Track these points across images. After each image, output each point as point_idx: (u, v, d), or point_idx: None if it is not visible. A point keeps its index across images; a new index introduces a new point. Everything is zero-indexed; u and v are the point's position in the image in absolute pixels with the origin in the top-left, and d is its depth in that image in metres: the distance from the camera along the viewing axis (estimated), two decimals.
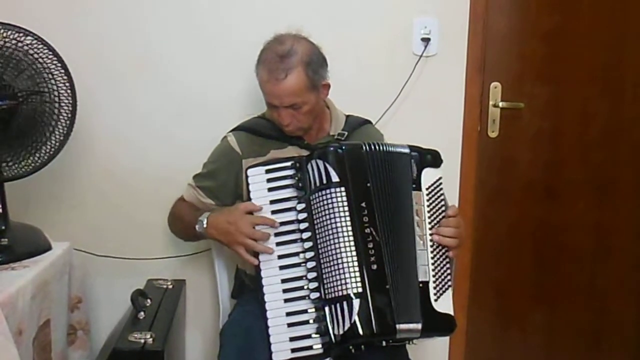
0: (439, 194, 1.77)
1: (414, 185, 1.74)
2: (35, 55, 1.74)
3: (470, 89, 2.38)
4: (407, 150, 1.76)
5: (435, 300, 1.69)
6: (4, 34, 1.68)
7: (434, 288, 1.70)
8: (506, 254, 2.59)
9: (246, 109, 2.16)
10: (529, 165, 2.54)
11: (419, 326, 1.65)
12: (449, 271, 1.74)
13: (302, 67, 1.78)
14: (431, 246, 1.72)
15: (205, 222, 1.78)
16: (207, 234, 1.78)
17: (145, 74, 2.25)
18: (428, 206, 1.74)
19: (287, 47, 1.79)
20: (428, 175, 1.76)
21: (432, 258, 1.72)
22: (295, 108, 1.82)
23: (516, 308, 2.62)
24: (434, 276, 1.70)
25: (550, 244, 2.59)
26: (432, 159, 1.79)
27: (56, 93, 1.77)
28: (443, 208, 1.77)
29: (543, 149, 2.53)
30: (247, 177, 1.73)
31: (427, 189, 1.75)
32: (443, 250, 1.74)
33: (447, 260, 1.74)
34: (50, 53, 1.76)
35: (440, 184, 1.78)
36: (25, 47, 1.72)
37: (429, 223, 1.73)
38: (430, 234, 1.72)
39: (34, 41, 1.74)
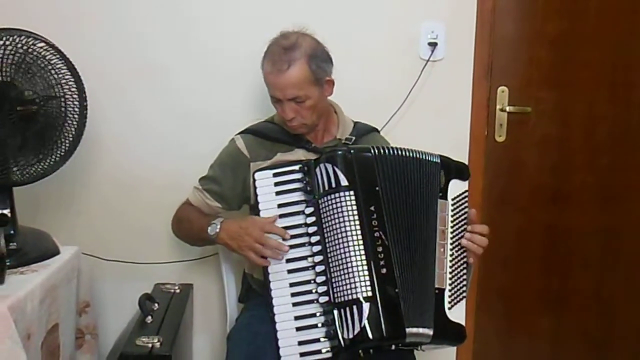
0: (463, 206, 1.78)
1: (440, 194, 1.74)
2: (46, 61, 1.74)
3: (477, 93, 2.38)
4: (437, 160, 1.76)
5: (449, 308, 1.69)
6: (16, 40, 1.68)
7: (450, 296, 1.70)
8: (513, 259, 2.58)
9: (250, 115, 2.16)
10: (536, 169, 2.53)
11: (430, 332, 1.65)
12: (465, 282, 1.75)
13: (306, 60, 1.80)
14: (451, 255, 1.73)
15: (218, 225, 1.77)
16: (218, 238, 1.78)
17: (150, 81, 2.26)
18: (452, 216, 1.74)
19: (291, 40, 1.82)
20: (455, 187, 1.77)
21: (451, 267, 1.72)
22: (298, 102, 1.82)
23: (523, 313, 2.61)
24: (450, 285, 1.71)
25: (558, 248, 2.58)
26: (460, 171, 1.80)
27: (67, 99, 1.78)
28: (466, 220, 1.78)
29: (550, 153, 2.52)
30: (254, 180, 1.73)
31: (452, 199, 1.76)
32: (462, 260, 1.75)
33: (465, 270, 1.75)
34: (61, 59, 1.77)
35: (466, 197, 1.79)
36: (36, 53, 1.72)
37: (451, 233, 1.74)
38: (457, 239, 1.73)
39: (46, 47, 1.74)
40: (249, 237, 1.69)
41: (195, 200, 1.97)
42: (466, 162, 2.37)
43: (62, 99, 1.77)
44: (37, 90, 1.71)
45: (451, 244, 1.73)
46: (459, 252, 1.75)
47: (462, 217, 1.77)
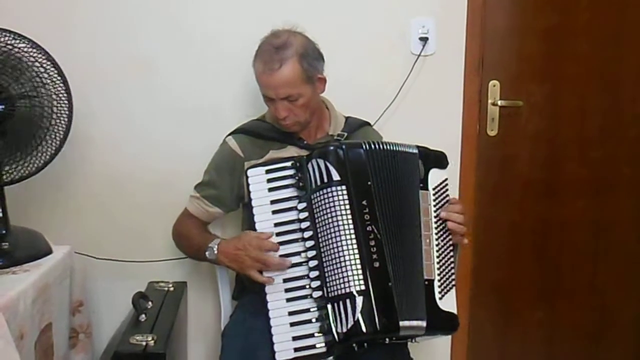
0: (444, 195, 1.79)
1: (421, 185, 1.75)
2: (31, 61, 1.73)
3: (468, 87, 2.38)
4: (415, 151, 1.77)
5: (440, 298, 1.70)
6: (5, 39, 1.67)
7: (439, 286, 1.71)
8: (507, 252, 2.59)
9: (242, 112, 2.17)
10: (528, 163, 2.54)
11: (423, 324, 1.66)
12: (453, 271, 1.75)
13: (297, 58, 1.80)
14: (437, 245, 1.73)
15: (215, 249, 1.79)
16: (218, 260, 1.80)
17: (140, 78, 2.25)
18: (434, 206, 1.75)
19: (282, 39, 1.82)
20: (435, 176, 1.78)
21: (438, 257, 1.72)
22: (291, 100, 1.82)
23: (517, 306, 2.62)
24: (439, 274, 1.71)
25: (551, 241, 2.59)
26: (439, 159, 1.80)
27: (52, 97, 1.77)
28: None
29: (542, 146, 2.53)
30: (247, 177, 1.73)
31: (433, 189, 1.76)
32: (449, 250, 1.76)
33: (453, 260, 1.76)
34: (46, 58, 1.76)
35: (447, 185, 1.80)
36: (20, 52, 1.71)
37: (435, 222, 1.74)
38: (441, 228, 1.74)
39: (29, 46, 1.73)
40: (249, 259, 1.70)
41: (194, 209, 1.97)
42: (459, 157, 2.40)
43: (50, 97, 1.76)
44: (16, 91, 1.70)
45: (436, 234, 1.74)
46: (445, 242, 1.76)
47: (445, 206, 1.78)
